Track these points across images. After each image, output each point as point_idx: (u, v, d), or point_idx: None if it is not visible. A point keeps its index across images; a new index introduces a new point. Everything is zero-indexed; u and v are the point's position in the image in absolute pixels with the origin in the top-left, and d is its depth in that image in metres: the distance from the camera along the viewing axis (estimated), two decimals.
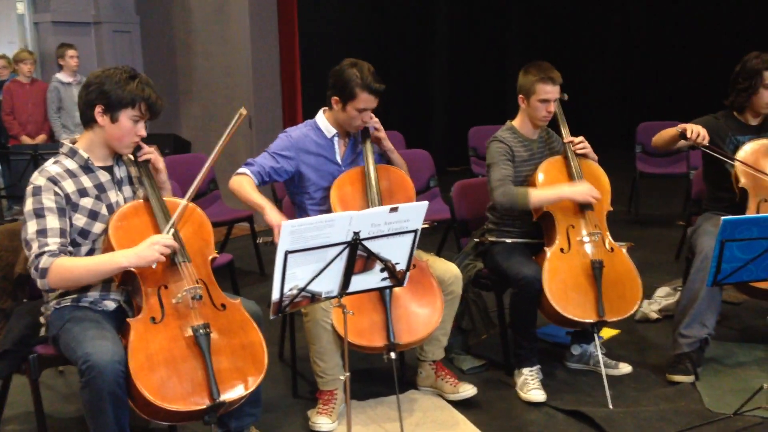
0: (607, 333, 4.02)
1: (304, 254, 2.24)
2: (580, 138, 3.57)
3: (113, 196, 2.70)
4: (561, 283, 3.34)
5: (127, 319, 2.54)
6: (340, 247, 2.31)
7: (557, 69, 3.53)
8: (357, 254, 2.35)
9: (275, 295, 2.27)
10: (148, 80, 2.67)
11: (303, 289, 2.31)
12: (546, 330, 4.00)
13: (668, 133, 3.68)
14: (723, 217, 2.74)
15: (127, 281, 2.62)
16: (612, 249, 3.48)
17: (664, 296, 4.43)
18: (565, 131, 3.61)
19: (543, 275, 3.32)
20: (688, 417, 3.11)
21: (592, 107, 9.77)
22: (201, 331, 2.49)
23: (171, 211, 2.67)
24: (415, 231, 2.42)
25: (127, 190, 2.77)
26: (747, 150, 3.66)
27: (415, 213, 2.39)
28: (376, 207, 2.36)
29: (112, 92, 2.58)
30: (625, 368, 3.60)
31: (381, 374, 3.57)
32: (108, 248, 2.61)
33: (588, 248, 3.45)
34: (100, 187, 2.68)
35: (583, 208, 3.49)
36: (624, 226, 6.37)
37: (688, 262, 3.87)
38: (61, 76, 6.72)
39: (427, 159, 5.24)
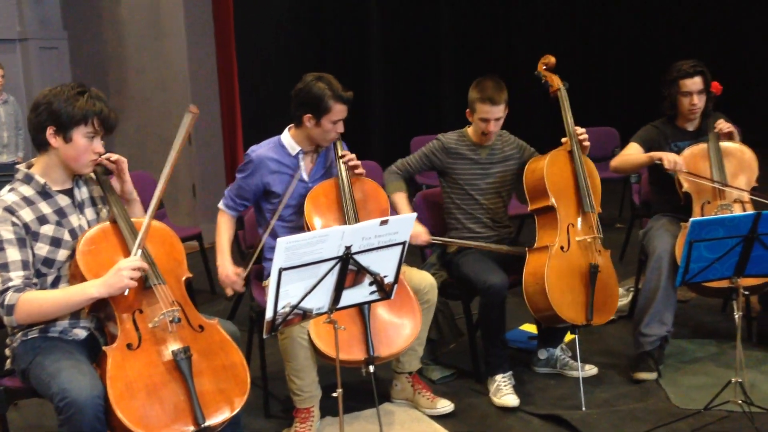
0: (567, 336, 4.08)
1: (298, 271, 2.20)
2: (583, 129, 3.56)
3: (75, 220, 2.59)
4: (560, 282, 3.32)
5: (103, 347, 2.44)
6: (333, 262, 2.28)
7: (491, 76, 3.55)
8: (348, 269, 2.33)
9: (269, 314, 2.22)
10: (98, 94, 2.56)
11: (295, 306, 2.28)
12: (509, 335, 4.03)
13: (637, 160, 3.76)
14: (692, 219, 2.83)
15: (99, 308, 2.52)
16: (600, 252, 3.51)
17: None
18: (570, 121, 3.58)
19: (546, 271, 3.30)
20: (658, 414, 3.20)
21: (523, 115, 9.95)
22: (182, 355, 2.42)
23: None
24: (403, 243, 2.41)
25: (89, 212, 2.65)
26: (686, 155, 3.73)
27: (403, 225, 2.39)
28: (367, 220, 2.33)
29: (62, 111, 2.47)
30: (591, 370, 3.67)
31: (353, 388, 3.52)
32: (76, 274, 2.50)
33: (585, 250, 3.44)
34: (61, 212, 2.56)
35: (585, 209, 3.49)
36: None
37: (641, 264, 3.99)
38: None
39: (378, 171, 5.22)
